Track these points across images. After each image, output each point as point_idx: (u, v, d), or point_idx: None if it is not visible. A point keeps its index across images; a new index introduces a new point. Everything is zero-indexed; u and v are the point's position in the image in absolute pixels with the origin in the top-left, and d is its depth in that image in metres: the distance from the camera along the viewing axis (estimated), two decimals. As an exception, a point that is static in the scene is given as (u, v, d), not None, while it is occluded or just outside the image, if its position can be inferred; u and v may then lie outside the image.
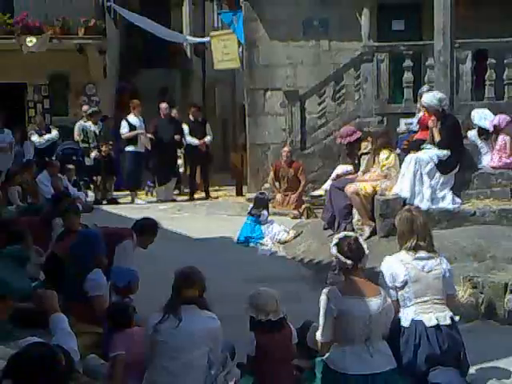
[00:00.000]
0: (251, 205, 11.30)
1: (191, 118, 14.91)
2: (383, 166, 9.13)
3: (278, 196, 12.54)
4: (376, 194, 8.76)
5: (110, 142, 14.74)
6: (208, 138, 14.72)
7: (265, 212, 10.77)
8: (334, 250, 4.79)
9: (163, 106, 14.94)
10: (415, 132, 9.91)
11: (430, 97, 8.83)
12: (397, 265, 4.92)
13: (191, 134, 14.58)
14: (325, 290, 4.69)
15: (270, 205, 11.67)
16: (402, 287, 4.85)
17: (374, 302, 4.56)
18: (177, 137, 14.43)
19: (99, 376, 4.85)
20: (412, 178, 8.43)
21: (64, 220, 7.42)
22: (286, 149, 12.94)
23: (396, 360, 4.65)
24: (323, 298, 4.62)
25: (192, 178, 14.96)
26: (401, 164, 8.85)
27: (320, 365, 4.65)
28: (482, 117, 9.63)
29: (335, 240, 4.88)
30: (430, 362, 4.67)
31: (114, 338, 5.08)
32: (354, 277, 4.68)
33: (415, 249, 4.95)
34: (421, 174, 8.45)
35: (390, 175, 8.95)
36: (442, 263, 4.99)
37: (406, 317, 4.81)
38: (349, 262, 4.66)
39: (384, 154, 9.20)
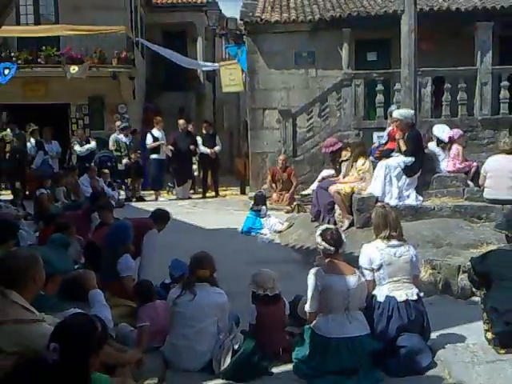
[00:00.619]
0: (252, 202, 11.31)
1: (204, 131, 14.95)
2: (359, 170, 9.13)
3: (275, 195, 12.54)
4: (354, 194, 8.74)
5: (138, 151, 14.76)
6: (217, 148, 14.72)
7: (263, 207, 10.77)
8: (318, 239, 4.84)
9: (181, 121, 14.94)
10: (385, 143, 9.91)
11: (405, 112, 8.82)
12: (373, 251, 4.92)
13: (204, 144, 14.62)
14: (312, 270, 4.75)
15: (267, 202, 11.68)
16: (378, 269, 4.85)
17: (351, 279, 4.64)
18: (192, 147, 14.45)
19: (129, 341, 4.83)
20: (383, 180, 8.42)
21: (100, 214, 7.40)
22: (281, 157, 12.94)
23: (371, 328, 4.67)
24: (310, 277, 4.68)
25: (204, 180, 14.99)
26: (374, 169, 8.84)
27: (308, 331, 4.64)
28: (441, 130, 9.62)
29: (319, 231, 4.94)
30: (399, 330, 4.67)
31: (140, 311, 5.08)
32: (335, 260, 4.76)
33: (388, 238, 4.95)
34: (390, 176, 8.44)
35: (365, 178, 8.95)
36: (410, 250, 5.00)
37: (381, 293, 4.81)
38: (331, 248, 4.71)
39: (360, 161, 9.20)
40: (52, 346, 2.63)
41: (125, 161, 14.28)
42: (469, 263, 5.34)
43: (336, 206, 9.02)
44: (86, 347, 2.70)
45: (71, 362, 2.62)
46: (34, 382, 2.57)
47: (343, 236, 4.90)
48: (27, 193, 13.29)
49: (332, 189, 8.98)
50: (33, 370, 2.65)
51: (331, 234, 4.78)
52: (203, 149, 14.55)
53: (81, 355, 2.66)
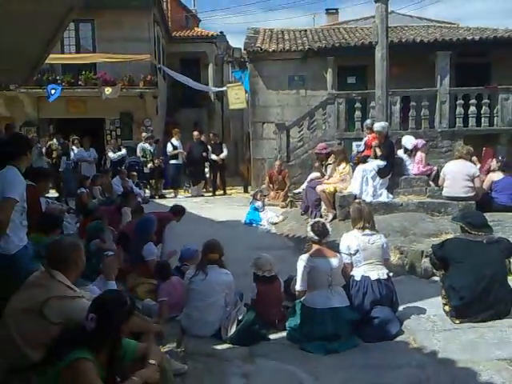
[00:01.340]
0: (251, 198, 11.37)
1: (212, 141, 14.88)
2: (341, 173, 9.12)
3: (272, 193, 12.48)
4: (336, 192, 8.74)
5: (161, 157, 14.69)
6: (223, 155, 14.49)
7: (259, 203, 10.74)
8: (308, 229, 4.84)
9: (195, 133, 14.89)
10: (362, 151, 9.89)
11: (382, 125, 8.81)
12: (351, 239, 4.94)
13: (213, 152, 14.56)
14: (301, 256, 4.78)
15: (265, 198, 11.70)
16: (355, 254, 4.87)
17: (334, 261, 4.68)
18: (204, 154, 14.42)
19: (152, 313, 4.85)
20: (360, 180, 8.41)
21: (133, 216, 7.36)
22: (277, 162, 12.87)
23: (349, 302, 4.68)
24: (300, 261, 4.72)
25: (214, 181, 14.93)
26: (353, 171, 8.83)
27: (298, 304, 4.66)
28: (408, 140, 9.61)
29: (310, 223, 4.94)
30: (373, 303, 4.68)
31: (160, 288, 5.09)
32: (321, 246, 4.75)
33: (363, 228, 4.96)
34: (367, 178, 8.42)
35: (346, 179, 8.94)
36: (381, 238, 5.01)
37: (358, 274, 4.83)
38: (316, 237, 4.72)
39: (342, 165, 9.19)
40: (90, 317, 2.63)
41: (149, 165, 14.23)
42: (430, 249, 5.35)
43: (322, 203, 9.02)
44: (118, 317, 2.70)
45: (106, 329, 2.63)
46: (76, 347, 2.57)
47: (329, 228, 4.92)
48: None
49: (318, 188, 8.98)
50: (75, 336, 2.65)
51: (318, 226, 4.82)
52: (213, 156, 14.53)
53: (113, 324, 2.66)
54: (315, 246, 4.77)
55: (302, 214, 9.72)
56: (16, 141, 4.30)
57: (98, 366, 2.60)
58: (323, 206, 8.97)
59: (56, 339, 2.74)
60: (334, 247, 5.04)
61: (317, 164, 10.48)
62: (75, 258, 3.27)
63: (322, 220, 5.36)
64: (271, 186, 12.69)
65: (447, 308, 4.76)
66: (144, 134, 15.57)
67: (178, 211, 7.06)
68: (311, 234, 4.78)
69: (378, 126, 8.85)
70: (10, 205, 3.74)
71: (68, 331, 2.75)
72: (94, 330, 2.60)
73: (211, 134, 15.44)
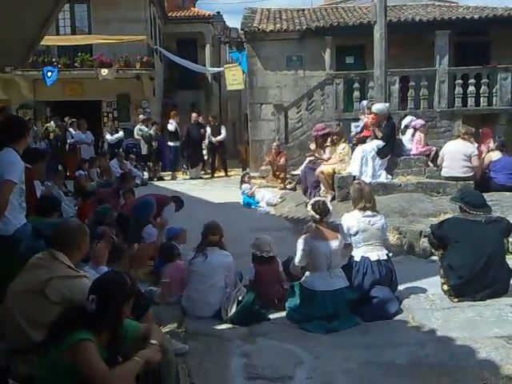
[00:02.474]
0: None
1: (211, 123, 14.79)
2: (340, 153, 9.10)
3: (271, 174, 12.46)
4: (335, 173, 8.73)
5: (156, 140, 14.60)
6: (220, 137, 14.30)
7: (245, 185, 10.75)
8: (309, 207, 4.84)
9: (194, 114, 14.81)
10: (360, 131, 9.84)
11: (382, 106, 8.75)
12: (352, 219, 4.94)
13: (211, 134, 14.48)
14: (302, 236, 4.76)
15: (264, 179, 11.69)
16: (355, 234, 4.88)
17: (333, 243, 4.65)
18: (202, 131, 14.29)
19: (155, 297, 4.88)
20: (360, 161, 8.39)
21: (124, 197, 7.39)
22: (274, 144, 12.74)
23: (349, 282, 4.70)
24: (300, 242, 4.73)
25: (213, 163, 14.87)
26: (352, 152, 8.81)
27: (298, 285, 4.68)
28: (408, 120, 9.61)
29: (311, 201, 4.94)
30: (372, 283, 4.71)
31: (164, 269, 5.11)
32: (320, 226, 4.75)
33: (364, 209, 4.95)
34: (366, 158, 8.38)
35: (345, 160, 8.91)
36: (381, 219, 5.01)
37: (358, 254, 4.85)
38: (317, 216, 4.71)
39: (341, 146, 9.16)
40: (91, 298, 2.64)
41: (146, 146, 14.15)
42: (429, 229, 5.37)
43: (321, 184, 9.01)
44: (118, 298, 2.71)
45: (106, 310, 2.64)
46: (77, 328, 2.59)
47: (330, 207, 4.88)
48: (68, 174, 13.24)
49: (317, 170, 8.97)
50: (75, 317, 2.66)
51: (318, 205, 4.78)
52: (212, 138, 14.44)
53: (114, 305, 2.67)
54: (315, 227, 4.77)
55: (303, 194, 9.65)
56: (14, 123, 4.28)
57: (100, 346, 2.62)
58: (322, 188, 8.97)
59: (57, 320, 2.75)
60: (334, 227, 5.04)
61: (312, 147, 10.31)
62: (80, 241, 3.28)
63: (323, 199, 5.35)
64: (270, 167, 12.60)
65: (445, 287, 4.79)
66: (141, 116, 15.48)
67: (179, 199, 7.07)
68: (312, 212, 4.76)
69: (379, 106, 8.80)
70: (8, 187, 3.75)
71: (69, 312, 2.76)
72: (95, 311, 2.61)
73: (210, 116, 15.34)
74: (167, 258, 5.25)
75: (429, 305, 4.69)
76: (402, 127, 9.62)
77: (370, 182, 7.96)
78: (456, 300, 4.66)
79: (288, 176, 12.10)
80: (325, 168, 8.88)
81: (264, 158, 13.57)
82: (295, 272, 4.95)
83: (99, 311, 2.62)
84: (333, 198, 8.54)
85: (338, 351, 3.99)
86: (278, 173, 12.34)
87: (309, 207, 4.84)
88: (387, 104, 8.96)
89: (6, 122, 4.46)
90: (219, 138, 14.40)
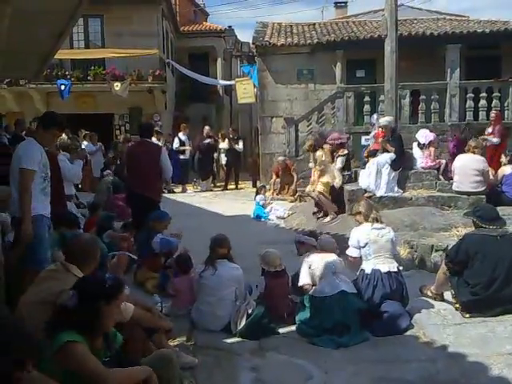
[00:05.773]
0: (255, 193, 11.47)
1: (230, 135, 14.93)
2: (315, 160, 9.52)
3: (278, 188, 12.43)
4: (329, 185, 8.97)
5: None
6: (239, 147, 14.79)
7: (260, 196, 10.81)
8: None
9: (207, 128, 14.93)
10: (368, 146, 9.90)
11: (386, 119, 8.77)
12: (361, 232, 4.94)
13: (230, 145, 14.57)
14: (304, 257, 4.97)
15: (274, 193, 11.70)
16: (365, 247, 4.86)
17: (332, 256, 4.88)
18: (211, 141, 14.43)
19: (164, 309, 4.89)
20: (375, 175, 8.36)
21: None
22: (280, 158, 12.68)
23: (359, 296, 4.68)
24: (301, 259, 4.96)
25: (227, 176, 14.90)
26: (365, 165, 8.84)
27: (307, 298, 4.68)
28: (421, 134, 9.59)
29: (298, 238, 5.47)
30: (383, 297, 4.67)
31: (177, 281, 5.13)
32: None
33: (373, 222, 4.95)
34: (380, 171, 8.38)
35: (326, 171, 9.15)
36: (390, 232, 4.99)
37: (368, 267, 4.82)
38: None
39: (318, 152, 9.74)
40: (71, 293, 2.70)
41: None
42: (440, 247, 5.31)
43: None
44: (96, 295, 2.74)
45: (84, 306, 2.67)
46: (63, 330, 2.60)
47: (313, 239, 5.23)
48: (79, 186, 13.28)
49: (312, 194, 9.19)
50: (60, 319, 2.69)
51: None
52: (236, 146, 14.64)
53: (91, 300, 2.69)
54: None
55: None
56: (43, 115, 4.66)
57: (95, 348, 2.65)
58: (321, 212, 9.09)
59: (44, 325, 2.77)
60: (343, 242, 5.06)
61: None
62: (92, 254, 3.35)
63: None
64: (278, 180, 12.56)
65: (457, 305, 4.73)
66: (153, 129, 15.57)
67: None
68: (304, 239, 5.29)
69: (384, 120, 8.81)
70: (26, 175, 4.05)
71: (54, 314, 2.77)
72: (76, 307, 2.65)
73: (230, 129, 15.58)
74: (183, 270, 5.25)
75: (440, 320, 4.64)
76: (418, 142, 9.57)
77: (383, 196, 7.96)
78: (468, 316, 4.60)
79: (299, 189, 12.07)
80: (319, 187, 8.98)
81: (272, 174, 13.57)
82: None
83: (79, 307, 2.65)
84: (336, 213, 8.60)
85: (348, 366, 3.95)
86: (286, 185, 12.32)
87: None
88: (391, 117, 8.96)
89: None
90: (237, 147, 14.56)
